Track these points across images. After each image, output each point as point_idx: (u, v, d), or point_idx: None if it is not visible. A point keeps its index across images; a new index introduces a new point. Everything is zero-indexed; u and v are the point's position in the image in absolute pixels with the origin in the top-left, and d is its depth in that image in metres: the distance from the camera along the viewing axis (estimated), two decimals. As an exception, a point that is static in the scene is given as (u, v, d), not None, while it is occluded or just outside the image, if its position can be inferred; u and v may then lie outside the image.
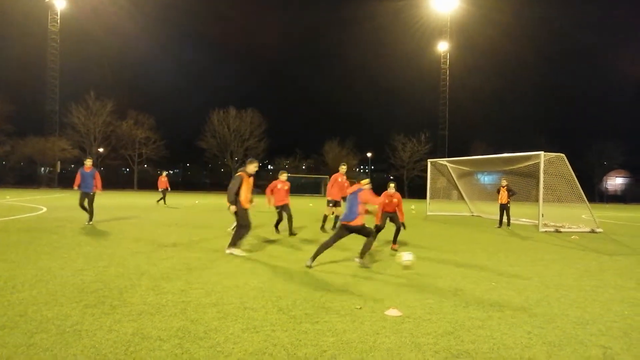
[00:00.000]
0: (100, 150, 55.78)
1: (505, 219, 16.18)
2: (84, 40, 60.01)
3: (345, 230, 7.47)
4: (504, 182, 16.27)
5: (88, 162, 12.88)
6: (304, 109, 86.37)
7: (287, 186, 11.83)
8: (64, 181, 48.99)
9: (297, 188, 52.82)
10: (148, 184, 51.65)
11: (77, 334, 3.93)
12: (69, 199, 26.10)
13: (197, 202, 29.74)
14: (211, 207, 24.10)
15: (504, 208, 16.14)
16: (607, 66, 79.83)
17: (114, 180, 54.14)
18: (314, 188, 55.34)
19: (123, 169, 64.27)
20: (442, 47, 58.61)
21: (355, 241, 8.42)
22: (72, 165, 57.95)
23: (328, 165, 60.29)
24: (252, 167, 8.40)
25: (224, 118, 57.91)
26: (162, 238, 10.19)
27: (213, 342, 3.86)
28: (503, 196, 16.06)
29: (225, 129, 57.93)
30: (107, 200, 25.47)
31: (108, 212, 17.30)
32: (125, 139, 56.15)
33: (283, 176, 11.85)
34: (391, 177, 65.06)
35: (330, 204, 12.39)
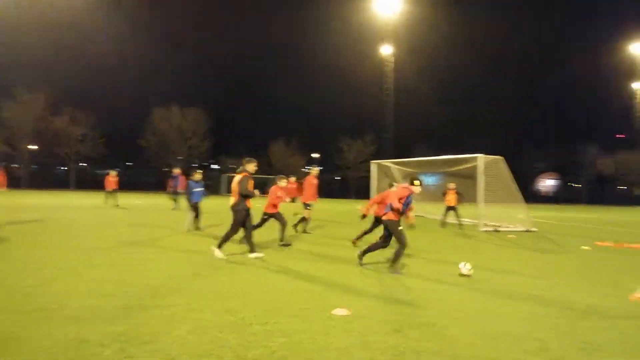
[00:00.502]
0: (33, 147, 52.63)
1: (455, 221, 16.38)
2: (15, 32, 56.28)
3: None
4: (452, 185, 16.56)
5: None
6: (249, 109, 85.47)
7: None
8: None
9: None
10: (86, 183, 49.26)
11: (14, 341, 3.68)
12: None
13: (139, 202, 28.69)
14: (155, 207, 23.32)
15: (450, 210, 16.43)
16: (540, 71, 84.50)
17: (49, 180, 51.27)
18: (259, 188, 54.91)
19: (58, 167, 61.04)
20: (386, 50, 59.82)
21: (312, 245, 8.38)
22: (4, 162, 54.33)
23: (273, 165, 59.98)
24: (252, 167, 8.25)
25: (166, 116, 56.21)
26: (104, 239, 9.74)
27: (158, 346, 3.73)
28: (451, 199, 16.32)
29: (167, 127, 56.24)
30: (41, 201, 24.10)
31: (43, 212, 16.34)
32: (60, 136, 53.25)
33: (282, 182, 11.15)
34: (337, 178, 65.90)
35: (309, 207, 12.48)
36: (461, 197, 16.45)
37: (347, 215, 22.13)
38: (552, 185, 71.32)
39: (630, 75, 67.32)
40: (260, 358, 3.59)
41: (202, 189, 12.30)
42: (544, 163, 68.72)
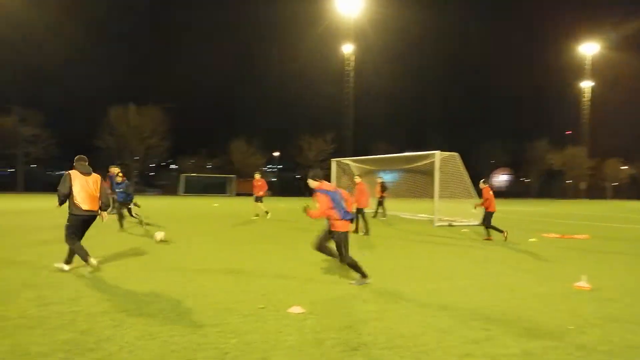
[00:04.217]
0: (-23, 149, 50.06)
1: (380, 210, 18.48)
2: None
3: None
4: (379, 179, 18.78)
5: None
6: (208, 107, 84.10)
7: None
8: None
9: (203, 188, 51.44)
10: (37, 185, 47.38)
11: (-59, 356, 3.49)
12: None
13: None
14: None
15: (379, 201, 18.33)
16: (496, 69, 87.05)
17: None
18: (220, 188, 54.22)
19: (6, 169, 58.31)
20: (347, 49, 60.23)
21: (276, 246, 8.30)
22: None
23: (234, 164, 59.33)
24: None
25: (122, 115, 54.61)
26: (49, 244, 9.35)
27: (105, 353, 3.62)
28: (378, 191, 18.36)
29: (124, 126, 54.66)
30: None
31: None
32: (8, 137, 50.83)
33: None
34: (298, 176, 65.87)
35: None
36: (384, 188, 18.54)
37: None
38: (504, 180, 73.70)
39: (579, 74, 70.71)
40: (210, 360, 3.55)
41: (122, 189, 12.06)
42: (497, 159, 70.88)
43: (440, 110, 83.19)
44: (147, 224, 12.55)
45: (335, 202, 6.05)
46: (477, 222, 15.98)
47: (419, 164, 19.85)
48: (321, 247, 6.48)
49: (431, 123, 76.37)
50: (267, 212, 17.19)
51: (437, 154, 16.45)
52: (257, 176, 17.34)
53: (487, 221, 12.06)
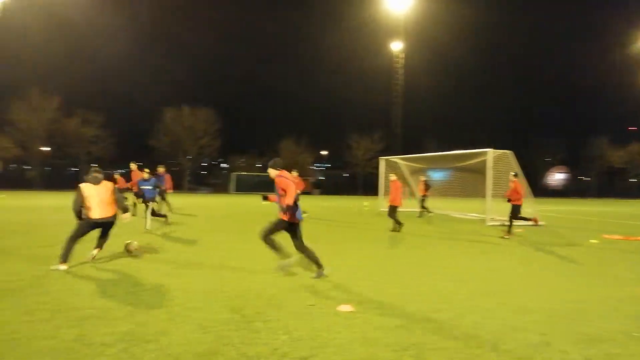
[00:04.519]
0: (45, 149, 53.22)
1: (424, 209, 18.71)
2: (28, 33, 56.84)
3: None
4: (423, 177, 19.20)
5: None
6: (259, 107, 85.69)
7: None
8: (5, 181, 46.48)
9: (253, 186, 52.31)
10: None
11: (15, 342, 3.73)
12: (8, 200, 24.76)
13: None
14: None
15: (422, 200, 18.69)
16: (551, 64, 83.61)
17: (61, 181, 51.79)
18: (269, 186, 55.08)
19: (69, 168, 61.65)
20: (396, 46, 59.58)
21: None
22: (14, 165, 55.06)
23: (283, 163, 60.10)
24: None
25: (177, 116, 56.55)
26: (112, 241, 9.77)
27: (161, 345, 3.76)
28: (421, 189, 18.78)
29: (178, 127, 56.58)
30: (57, 202, 24.35)
31: (55, 213, 16.50)
32: (72, 138, 53.77)
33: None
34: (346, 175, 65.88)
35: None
36: (427, 186, 18.95)
37: (355, 212, 22.10)
38: (561, 179, 70.59)
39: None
40: (262, 355, 3.61)
41: (151, 186, 11.83)
42: (553, 156, 68.02)
43: (493, 106, 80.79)
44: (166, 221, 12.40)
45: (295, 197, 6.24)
46: (531, 222, 15.42)
47: (470, 162, 19.35)
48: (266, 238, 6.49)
49: (482, 120, 74.38)
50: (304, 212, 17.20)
51: (490, 152, 15.98)
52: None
53: (514, 213, 12.32)
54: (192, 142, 57.57)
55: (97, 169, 7.22)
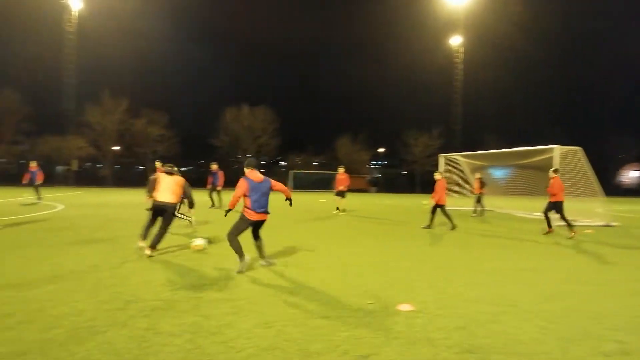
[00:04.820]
0: (116, 148, 56.36)
1: (479, 207, 18.35)
2: (99, 40, 60.34)
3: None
4: (477, 175, 18.84)
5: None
6: (316, 105, 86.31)
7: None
8: (81, 179, 49.72)
9: (311, 184, 52.73)
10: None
11: (92, 330, 3.98)
12: (84, 196, 26.43)
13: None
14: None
15: (477, 198, 18.31)
16: (623, 57, 78.21)
17: (128, 178, 54.59)
18: (327, 184, 55.35)
19: (137, 166, 64.87)
20: (455, 41, 58.06)
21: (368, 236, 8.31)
22: (88, 164, 58.64)
23: (340, 160, 60.13)
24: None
25: (236, 115, 58.08)
26: (178, 237, 10.21)
27: (225, 338, 3.88)
28: (476, 187, 18.39)
29: (238, 126, 58.10)
30: (128, 198, 25.71)
31: (126, 209, 17.42)
32: (139, 137, 56.64)
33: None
34: (403, 172, 64.93)
35: None
36: (482, 184, 18.37)
37: (413, 210, 21.78)
38: (636, 177, 66.00)
39: None
40: (323, 351, 3.64)
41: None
42: (627, 153, 63.73)
43: (559, 100, 76.79)
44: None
45: (253, 192, 6.52)
46: (603, 223, 14.61)
47: (535, 159, 18.52)
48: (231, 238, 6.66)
49: (547, 115, 70.89)
50: (340, 209, 17.44)
51: (557, 149, 15.20)
52: (341, 170, 17.42)
53: (552, 208, 11.93)
54: (251, 140, 58.94)
55: (172, 164, 8.50)
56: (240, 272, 6.41)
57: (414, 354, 3.64)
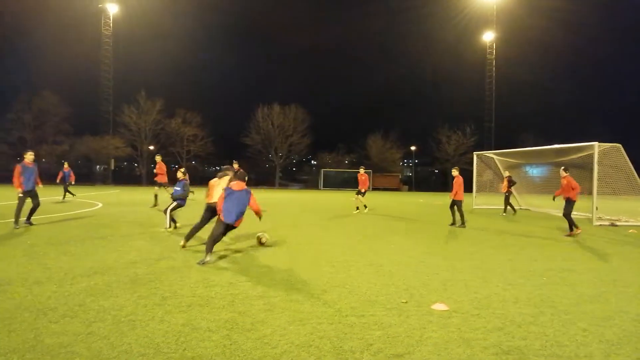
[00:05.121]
0: (151, 147, 57.77)
1: (508, 206, 18.37)
2: (134, 42, 62.11)
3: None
4: (507, 173, 18.91)
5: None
6: (347, 103, 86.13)
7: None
8: (118, 178, 51.27)
9: (341, 182, 52.70)
10: (196, 179, 53.43)
11: (132, 324, 4.10)
12: (121, 195, 27.17)
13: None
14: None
15: (506, 197, 18.34)
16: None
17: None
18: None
19: (172, 166, 66.32)
20: (488, 37, 56.92)
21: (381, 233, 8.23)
22: (125, 163, 60.34)
23: (371, 159, 59.85)
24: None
25: (268, 114, 58.60)
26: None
27: (260, 334, 3.93)
28: (504, 186, 18.42)
29: (269, 125, 58.60)
30: (163, 197, 26.27)
31: (162, 207, 17.81)
32: (173, 137, 57.91)
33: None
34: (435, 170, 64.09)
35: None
36: (511, 183, 18.42)
37: (445, 209, 21.47)
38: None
39: None
40: (356, 350, 3.65)
41: (179, 188, 11.10)
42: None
43: (597, 97, 74.27)
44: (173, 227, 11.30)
45: (226, 199, 7.17)
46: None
47: (573, 157, 17.97)
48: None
49: (585, 111, 68.63)
50: (361, 207, 17.86)
51: (596, 146, 14.71)
52: (361, 171, 17.63)
53: (568, 210, 11.60)
54: (282, 139, 59.35)
55: (227, 167, 9.11)
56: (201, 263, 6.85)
57: (449, 354, 3.60)
